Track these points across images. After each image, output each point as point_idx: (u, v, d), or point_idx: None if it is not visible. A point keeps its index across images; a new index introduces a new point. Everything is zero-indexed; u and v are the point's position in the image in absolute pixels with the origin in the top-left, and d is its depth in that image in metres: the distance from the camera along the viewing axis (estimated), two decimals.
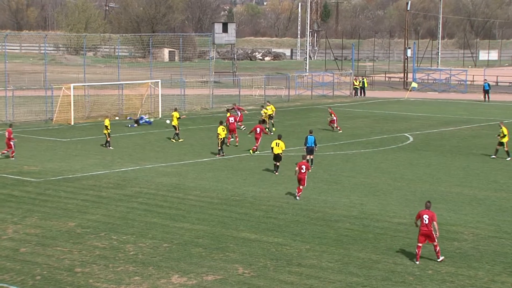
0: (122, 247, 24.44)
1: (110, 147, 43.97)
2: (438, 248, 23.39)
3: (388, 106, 72.07)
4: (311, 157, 38.44)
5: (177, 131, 47.39)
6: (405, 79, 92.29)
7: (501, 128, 42.24)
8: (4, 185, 33.54)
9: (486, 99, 76.91)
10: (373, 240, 25.67)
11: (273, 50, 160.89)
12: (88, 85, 62.51)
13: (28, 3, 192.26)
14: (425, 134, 52.29)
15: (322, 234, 26.28)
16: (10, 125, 42.62)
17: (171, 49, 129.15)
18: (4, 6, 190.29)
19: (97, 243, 24.92)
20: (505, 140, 42.02)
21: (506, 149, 42.04)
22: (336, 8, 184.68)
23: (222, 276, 21.82)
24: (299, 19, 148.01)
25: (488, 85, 78.43)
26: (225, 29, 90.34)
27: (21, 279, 21.34)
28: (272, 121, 52.84)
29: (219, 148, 41.68)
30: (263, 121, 49.74)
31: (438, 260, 23.35)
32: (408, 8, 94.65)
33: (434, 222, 23.17)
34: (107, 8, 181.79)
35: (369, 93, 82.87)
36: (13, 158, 40.07)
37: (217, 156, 41.56)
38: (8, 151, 40.30)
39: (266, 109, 52.54)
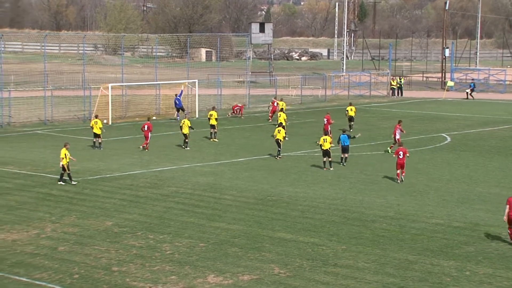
0: (158, 246, 24.58)
1: (187, 148, 44.07)
2: None
3: (426, 106, 71.56)
4: (346, 155, 38.83)
5: (215, 130, 47.66)
6: (443, 79, 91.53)
7: None
8: (43, 184, 33.94)
9: (468, 97, 78.47)
10: (410, 240, 25.53)
11: (310, 50, 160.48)
12: (125, 85, 62.97)
13: (67, 4, 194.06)
14: (462, 135, 51.84)
15: (358, 235, 26.19)
16: (149, 118, 46.03)
17: (208, 49, 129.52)
18: (44, 7, 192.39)
19: (134, 242, 25.10)
20: None
21: None
22: (373, 8, 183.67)
23: (258, 276, 21.85)
24: (336, 19, 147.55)
25: (474, 85, 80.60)
26: (262, 29, 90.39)
27: (59, 278, 21.58)
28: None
29: (279, 149, 41.31)
30: None
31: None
32: (446, 8, 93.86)
33: None
34: (144, 8, 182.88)
35: (406, 93, 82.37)
36: (147, 150, 43.29)
37: (277, 158, 41.28)
38: (147, 144, 43.63)
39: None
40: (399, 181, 35.00)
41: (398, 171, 35.12)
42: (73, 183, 33.83)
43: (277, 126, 43.73)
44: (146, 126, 43.73)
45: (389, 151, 42.45)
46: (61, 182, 33.91)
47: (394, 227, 27.19)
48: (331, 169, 37.65)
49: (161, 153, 42.87)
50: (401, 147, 35.59)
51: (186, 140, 44.31)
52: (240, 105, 62.55)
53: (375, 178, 36.07)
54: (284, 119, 47.51)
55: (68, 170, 33.87)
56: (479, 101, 77.25)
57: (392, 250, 24.39)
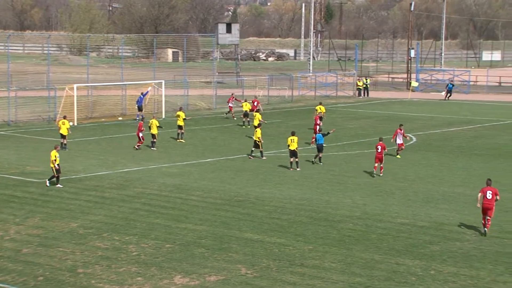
0: (124, 247, 24.43)
1: (154, 148, 44.03)
2: (490, 222, 26.38)
3: (391, 107, 72.02)
4: (320, 155, 39.09)
5: (182, 131, 47.60)
6: (408, 79, 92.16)
7: None
8: (7, 186, 33.57)
9: (447, 98, 78.50)
10: (376, 240, 25.67)
11: (277, 50, 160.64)
12: (91, 86, 62.53)
13: (32, 5, 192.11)
14: (427, 135, 52.24)
15: (325, 235, 26.27)
16: (142, 119, 46.79)
17: (174, 50, 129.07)
18: (8, 7, 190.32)
19: (99, 243, 24.92)
20: None
21: None
22: (339, 9, 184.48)
23: (225, 277, 21.82)
24: (303, 20, 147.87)
25: (452, 85, 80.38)
26: (228, 30, 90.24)
27: (23, 280, 21.34)
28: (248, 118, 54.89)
29: (253, 149, 41.37)
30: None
31: (486, 229, 26.27)
32: (412, 9, 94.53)
33: (497, 197, 26.34)
34: (110, 8, 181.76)
35: (372, 94, 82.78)
36: (136, 148, 43.74)
37: (250, 157, 41.40)
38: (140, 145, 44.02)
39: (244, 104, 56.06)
40: (375, 173, 36.61)
41: (376, 165, 36.68)
42: (58, 185, 33.35)
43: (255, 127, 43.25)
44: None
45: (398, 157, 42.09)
46: (59, 185, 33.39)
47: (361, 227, 27.32)
48: (298, 169, 37.74)
49: (127, 154, 42.64)
50: (381, 142, 36.93)
51: (154, 141, 44.15)
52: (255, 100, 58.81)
53: (341, 178, 36.23)
54: (259, 120, 47.80)
55: (57, 173, 33.35)
56: (444, 101, 77.93)
57: (358, 250, 24.50)
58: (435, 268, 22.84)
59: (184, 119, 47.71)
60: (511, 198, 32.22)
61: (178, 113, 48.03)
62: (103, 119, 57.88)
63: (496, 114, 65.05)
